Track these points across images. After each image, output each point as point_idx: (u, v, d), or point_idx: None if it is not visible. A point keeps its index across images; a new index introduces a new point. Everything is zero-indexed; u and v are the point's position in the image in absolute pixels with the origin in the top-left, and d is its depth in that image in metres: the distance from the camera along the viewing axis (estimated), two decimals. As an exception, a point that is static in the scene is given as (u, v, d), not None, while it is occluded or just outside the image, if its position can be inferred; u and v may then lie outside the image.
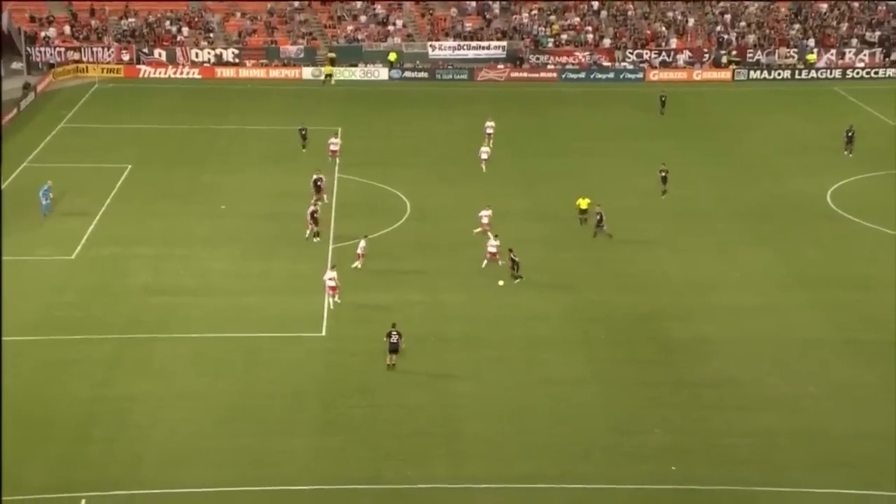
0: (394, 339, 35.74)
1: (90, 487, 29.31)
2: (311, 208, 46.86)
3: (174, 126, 64.21)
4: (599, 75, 78.84)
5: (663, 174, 52.61)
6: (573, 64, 79.77)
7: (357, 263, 43.53)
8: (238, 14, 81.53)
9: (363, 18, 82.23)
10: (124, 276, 43.09)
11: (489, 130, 60.03)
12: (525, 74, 78.54)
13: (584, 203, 48.69)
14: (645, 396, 34.99)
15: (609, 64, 79.98)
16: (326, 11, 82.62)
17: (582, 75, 78.80)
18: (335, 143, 56.87)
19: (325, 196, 50.38)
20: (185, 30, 79.44)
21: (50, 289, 41.70)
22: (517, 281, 42.61)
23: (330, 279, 40.11)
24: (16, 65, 74.67)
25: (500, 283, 42.48)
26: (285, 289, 41.90)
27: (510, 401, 34.60)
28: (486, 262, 43.89)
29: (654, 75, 78.93)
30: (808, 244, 47.67)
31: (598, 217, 47.55)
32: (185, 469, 30.46)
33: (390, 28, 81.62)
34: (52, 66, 74.98)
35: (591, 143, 62.99)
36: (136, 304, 40.62)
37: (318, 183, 50.56)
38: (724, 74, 79.54)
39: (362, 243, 43.98)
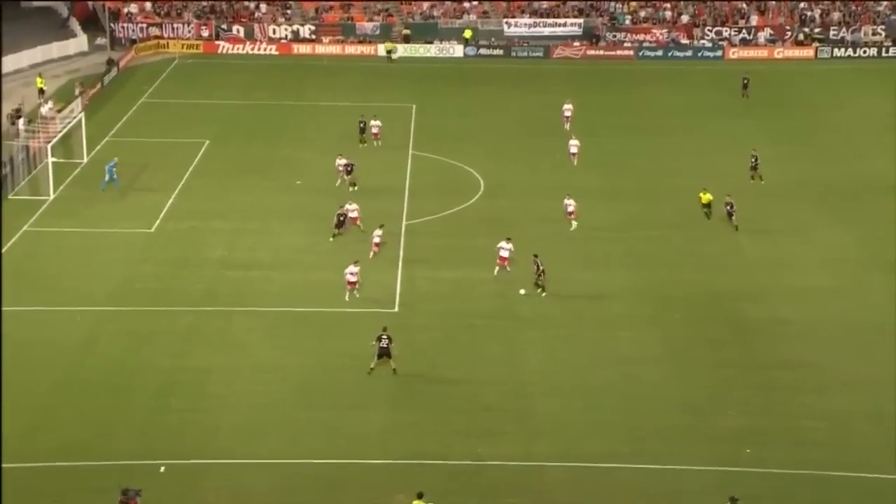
0: (384, 343, 33.91)
1: (169, 455, 29.95)
2: (345, 210, 44.16)
3: (251, 102, 64.91)
4: (677, 53, 77.71)
5: (754, 160, 51.54)
6: (650, 41, 78.74)
7: (371, 252, 41.99)
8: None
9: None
10: (202, 249, 43.80)
11: (567, 113, 59.16)
12: (601, 52, 77.74)
13: (705, 197, 46.14)
14: (719, 377, 34.61)
15: (687, 42, 78.77)
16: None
17: (659, 53, 77.75)
18: (376, 126, 56.20)
19: (355, 182, 49.14)
20: (263, 6, 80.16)
21: (131, 260, 42.58)
22: (540, 293, 39.31)
23: (351, 273, 38.65)
24: (100, 40, 76.13)
25: (522, 291, 39.59)
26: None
27: (582, 379, 34.50)
28: (497, 269, 40.85)
29: (733, 53, 77.55)
30: (889, 226, 46.53)
31: (729, 206, 45.67)
32: (259, 440, 30.94)
33: (466, 5, 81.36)
34: (134, 41, 76.28)
35: (669, 121, 62.19)
36: (213, 277, 41.29)
37: (349, 168, 49.45)
38: (807, 52, 77.82)
39: (378, 232, 42.47)
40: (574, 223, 45.63)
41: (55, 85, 65.87)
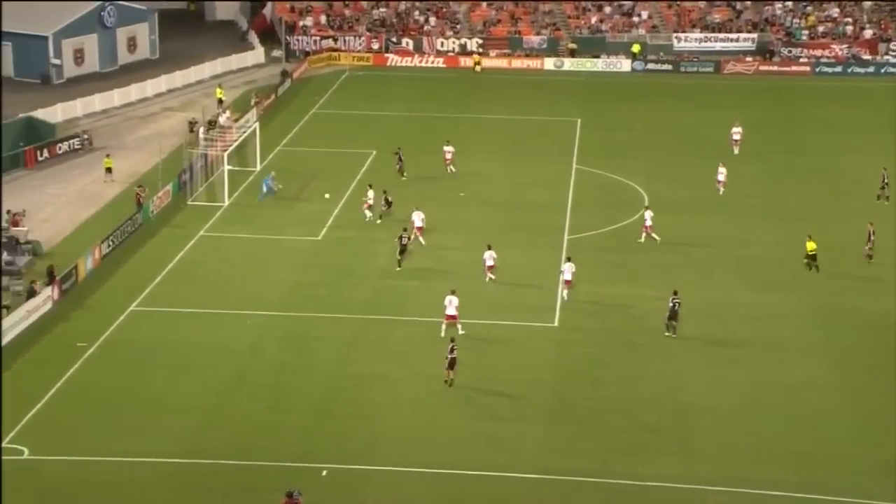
0: (453, 353, 33.84)
1: (331, 460, 30.55)
2: (404, 237, 43.27)
3: (418, 113, 65.81)
4: (857, 69, 74.72)
5: (884, 178, 49.23)
6: (829, 57, 76.02)
7: (489, 276, 41.43)
8: (484, 4, 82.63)
9: (608, 9, 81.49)
10: (365, 258, 44.63)
11: (736, 136, 57.21)
12: (775, 68, 75.51)
13: (810, 245, 42.54)
14: None
15: (869, 57, 75.65)
16: (571, 2, 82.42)
17: (838, 69, 74.95)
18: (450, 151, 54.70)
19: (390, 210, 47.86)
20: (433, 20, 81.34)
21: (298, 267, 43.77)
22: (668, 333, 37.05)
23: (454, 307, 37.08)
24: (276, 52, 78.72)
25: (667, 334, 37.23)
26: (519, 278, 42.13)
27: (746, 402, 33.53)
28: (564, 291, 39.78)
29: (920, 69, 74.05)
30: None
31: (869, 234, 43.20)
32: (419, 449, 31.23)
33: (635, 19, 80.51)
34: (307, 54, 78.57)
35: (845, 140, 59.94)
36: (376, 286, 42.00)
37: (388, 198, 48.02)
38: None
39: (492, 254, 41.27)
40: (654, 236, 44.62)
41: (233, 95, 68.44)
